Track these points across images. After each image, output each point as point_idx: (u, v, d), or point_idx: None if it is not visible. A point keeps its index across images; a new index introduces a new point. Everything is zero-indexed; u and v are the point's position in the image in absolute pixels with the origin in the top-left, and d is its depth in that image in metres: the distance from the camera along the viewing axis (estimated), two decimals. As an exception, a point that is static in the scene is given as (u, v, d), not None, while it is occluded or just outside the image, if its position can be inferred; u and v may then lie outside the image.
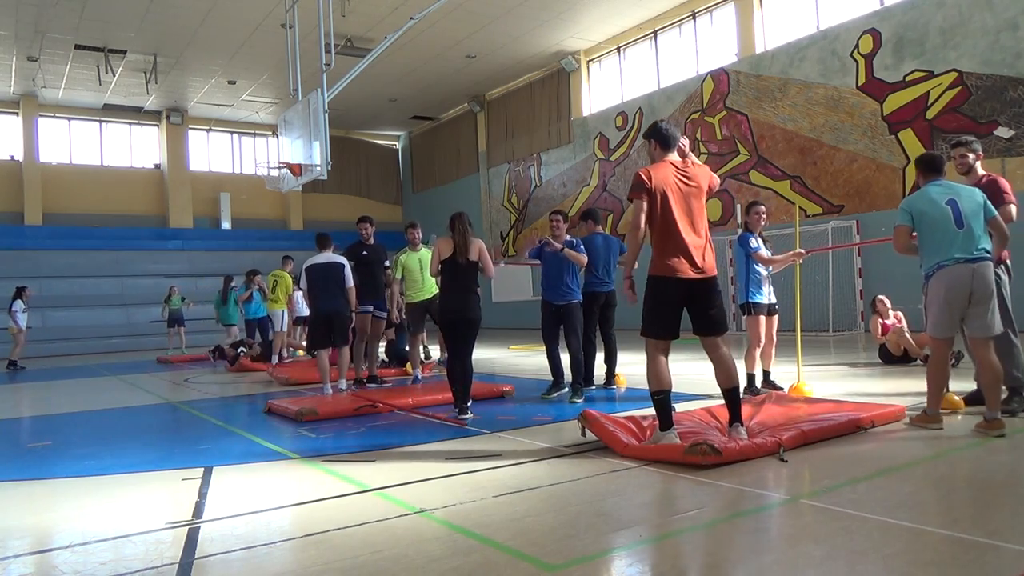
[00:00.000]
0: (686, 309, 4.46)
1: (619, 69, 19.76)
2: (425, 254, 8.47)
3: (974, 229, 4.63)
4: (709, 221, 4.65)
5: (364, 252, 8.71)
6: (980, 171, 5.45)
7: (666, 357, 4.46)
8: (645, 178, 4.44)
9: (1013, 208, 5.19)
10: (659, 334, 4.43)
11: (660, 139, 4.58)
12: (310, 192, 24.94)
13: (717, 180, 4.69)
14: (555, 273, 7.18)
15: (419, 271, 8.48)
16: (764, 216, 6.83)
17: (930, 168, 4.95)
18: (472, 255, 6.22)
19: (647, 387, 4.53)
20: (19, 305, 15.07)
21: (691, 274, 4.36)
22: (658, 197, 4.40)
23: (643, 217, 4.44)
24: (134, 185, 24.05)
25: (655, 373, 4.42)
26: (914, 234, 4.85)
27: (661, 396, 4.40)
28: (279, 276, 12.06)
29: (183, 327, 17.54)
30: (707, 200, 4.55)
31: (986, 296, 4.62)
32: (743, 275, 6.81)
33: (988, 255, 4.66)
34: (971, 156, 5.38)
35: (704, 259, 4.41)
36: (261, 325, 13.60)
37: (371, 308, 8.68)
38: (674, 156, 4.56)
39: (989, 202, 4.78)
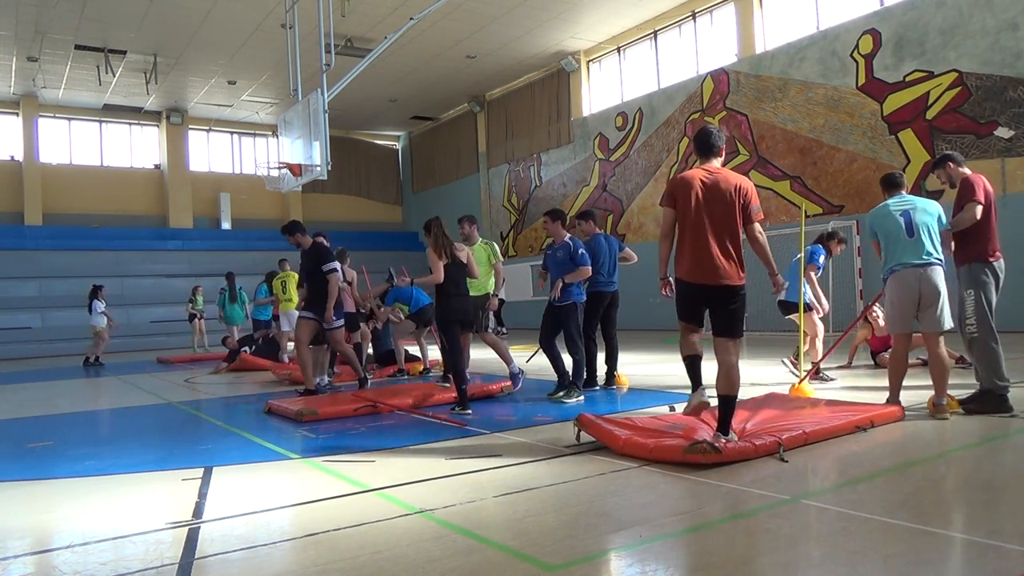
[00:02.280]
0: (708, 310, 4.52)
1: (619, 69, 19.76)
2: (479, 249, 7.86)
3: (923, 238, 5.25)
4: None
5: (301, 260, 8.31)
6: (964, 172, 5.59)
7: (695, 336, 4.59)
8: (671, 186, 4.51)
9: (978, 209, 5.31)
10: (685, 320, 4.58)
11: (697, 146, 4.64)
12: (310, 192, 24.94)
13: (751, 198, 4.43)
14: (556, 275, 7.17)
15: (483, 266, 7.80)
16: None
17: (890, 185, 5.68)
18: (462, 257, 6.68)
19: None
20: (99, 306, 15.04)
21: (702, 281, 4.36)
22: (681, 204, 4.42)
23: (669, 224, 4.51)
24: (134, 185, 24.05)
25: (684, 343, 4.61)
26: None
27: (689, 360, 4.58)
28: (287, 277, 12.08)
29: (201, 320, 17.75)
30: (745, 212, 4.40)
31: (933, 297, 5.21)
32: (793, 277, 7.28)
33: (937, 261, 5.24)
34: (943, 175, 5.71)
35: (720, 267, 4.33)
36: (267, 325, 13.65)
37: (308, 314, 7.95)
38: (713, 163, 4.53)
39: (943, 217, 5.38)
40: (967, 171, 5.58)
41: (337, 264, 8.09)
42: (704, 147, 4.56)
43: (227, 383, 10.46)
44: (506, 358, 7.65)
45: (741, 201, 4.37)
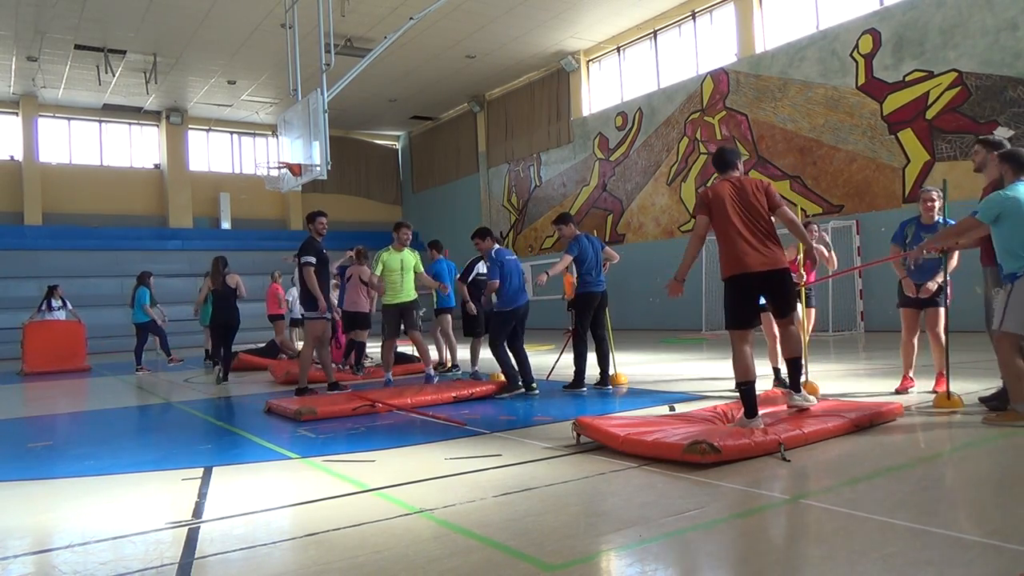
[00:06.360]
0: (764, 296, 5.01)
1: (619, 69, 19.76)
2: (408, 256, 8.36)
3: None
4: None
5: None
6: (994, 171, 5.25)
7: (750, 348, 4.81)
8: (704, 198, 4.98)
9: None
10: (739, 324, 4.86)
11: (716, 163, 5.18)
12: (310, 192, 24.90)
13: (770, 190, 4.99)
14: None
15: (399, 272, 8.28)
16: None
17: (1020, 167, 4.91)
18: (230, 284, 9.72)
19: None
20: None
21: (757, 267, 4.77)
22: (716, 211, 4.89)
23: (703, 228, 4.97)
24: (134, 185, 24.05)
25: (740, 365, 4.76)
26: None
27: (746, 387, 4.72)
28: None
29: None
30: (771, 206, 4.92)
31: None
32: None
33: None
34: (980, 157, 5.41)
35: (764, 254, 4.78)
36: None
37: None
38: (733, 174, 5.05)
39: None
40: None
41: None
42: (722, 163, 5.11)
43: (226, 383, 10.45)
44: (425, 358, 8.57)
45: (763, 195, 4.90)
